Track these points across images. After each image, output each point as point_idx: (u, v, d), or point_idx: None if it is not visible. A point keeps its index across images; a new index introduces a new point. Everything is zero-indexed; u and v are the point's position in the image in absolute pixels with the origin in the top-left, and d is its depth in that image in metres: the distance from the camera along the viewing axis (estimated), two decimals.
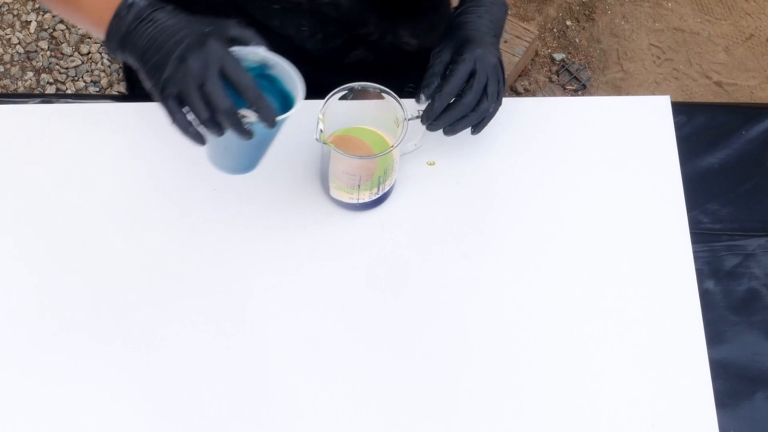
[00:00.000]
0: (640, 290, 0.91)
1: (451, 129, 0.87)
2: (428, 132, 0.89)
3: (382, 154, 0.86)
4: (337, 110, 0.87)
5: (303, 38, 0.93)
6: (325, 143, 0.84)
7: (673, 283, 0.91)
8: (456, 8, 0.91)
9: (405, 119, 0.86)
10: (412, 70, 1.04)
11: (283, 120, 0.78)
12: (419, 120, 0.87)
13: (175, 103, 0.75)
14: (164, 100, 0.76)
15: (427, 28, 1.05)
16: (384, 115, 0.88)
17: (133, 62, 0.78)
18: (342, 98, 0.86)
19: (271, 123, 0.75)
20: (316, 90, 0.82)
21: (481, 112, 0.86)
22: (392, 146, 0.85)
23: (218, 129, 0.76)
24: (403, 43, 1.02)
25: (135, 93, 1.09)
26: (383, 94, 0.86)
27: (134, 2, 0.78)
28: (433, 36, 1.03)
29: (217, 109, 0.74)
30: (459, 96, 0.85)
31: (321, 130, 0.83)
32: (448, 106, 0.86)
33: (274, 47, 0.80)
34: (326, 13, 0.91)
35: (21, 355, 0.88)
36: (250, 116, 0.76)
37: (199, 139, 0.78)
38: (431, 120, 0.86)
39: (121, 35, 0.77)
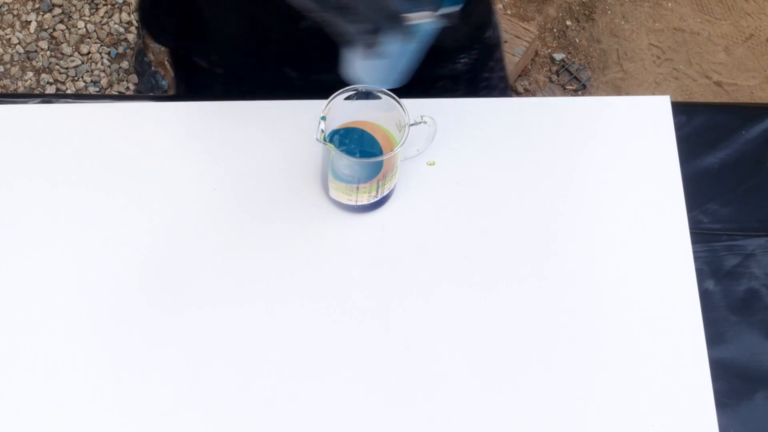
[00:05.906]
0: (640, 290, 0.91)
1: None
2: (431, 138, 0.89)
3: (381, 158, 0.86)
4: (341, 107, 0.87)
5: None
6: (326, 143, 0.84)
7: (673, 283, 0.91)
8: None
9: (407, 124, 0.85)
10: None
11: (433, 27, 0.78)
12: (422, 126, 0.87)
13: (337, 13, 0.74)
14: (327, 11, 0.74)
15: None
16: (387, 116, 0.88)
17: None
18: (347, 99, 0.86)
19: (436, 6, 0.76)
20: (313, 92, 0.81)
21: None
22: (393, 150, 0.85)
23: (374, 36, 0.75)
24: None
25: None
26: (387, 97, 0.86)
27: None
28: None
29: (386, 11, 0.74)
30: None
31: (322, 131, 0.83)
32: None
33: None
34: None
35: (21, 354, 0.88)
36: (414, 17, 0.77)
37: (373, 44, 0.76)
38: None
39: None
